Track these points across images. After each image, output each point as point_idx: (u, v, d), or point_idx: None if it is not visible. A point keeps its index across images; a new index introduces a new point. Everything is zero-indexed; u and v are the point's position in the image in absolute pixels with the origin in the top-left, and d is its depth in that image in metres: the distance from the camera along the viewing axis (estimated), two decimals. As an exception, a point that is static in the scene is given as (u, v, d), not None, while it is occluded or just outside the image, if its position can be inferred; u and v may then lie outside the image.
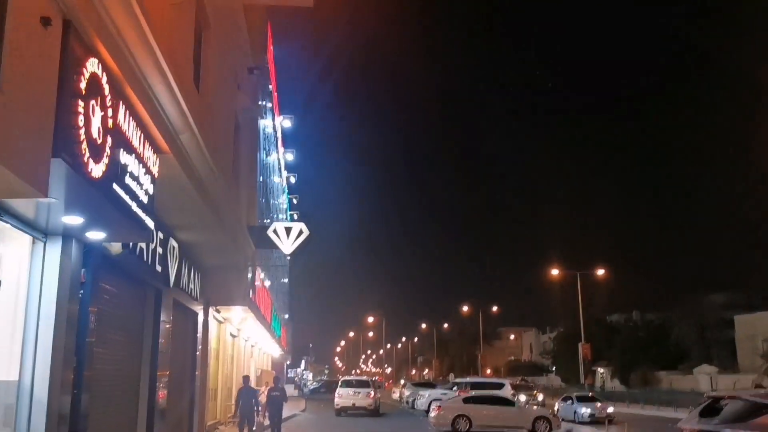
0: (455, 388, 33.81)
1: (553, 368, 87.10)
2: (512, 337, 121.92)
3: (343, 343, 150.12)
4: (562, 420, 28.71)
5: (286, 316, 53.64)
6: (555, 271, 52.61)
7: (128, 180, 6.82)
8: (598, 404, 30.92)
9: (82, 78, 5.40)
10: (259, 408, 17.08)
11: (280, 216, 41.96)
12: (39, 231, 7.14)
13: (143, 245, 10.32)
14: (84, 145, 5.45)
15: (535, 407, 27.44)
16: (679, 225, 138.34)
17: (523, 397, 34.51)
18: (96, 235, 7.63)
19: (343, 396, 33.07)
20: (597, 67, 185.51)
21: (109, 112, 6.13)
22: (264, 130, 23.74)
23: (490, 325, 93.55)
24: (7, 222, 6.33)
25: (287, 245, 17.14)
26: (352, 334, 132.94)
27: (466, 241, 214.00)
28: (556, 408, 31.55)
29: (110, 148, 6.16)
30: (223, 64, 13.35)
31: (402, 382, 70.03)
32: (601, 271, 51.79)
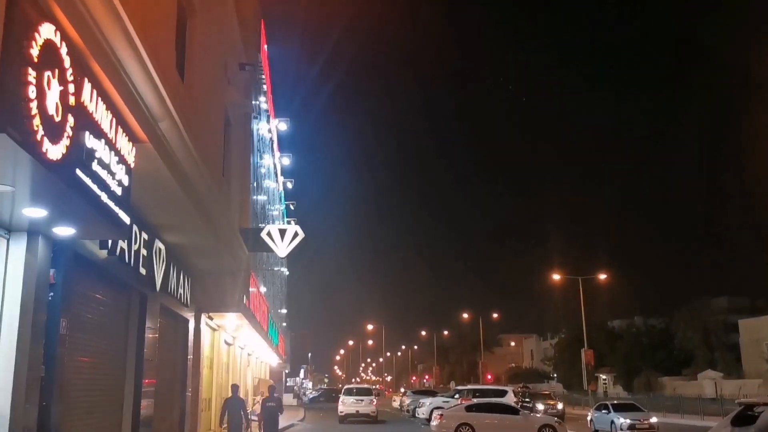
0: (457, 395, 33.06)
1: (555, 375, 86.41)
2: (513, 343, 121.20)
3: (342, 351, 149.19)
4: (595, 430, 27.63)
5: (284, 324, 52.87)
6: (556, 276, 51.89)
7: (96, 167, 6.13)
8: (640, 414, 27.32)
9: (34, 44, 4.73)
10: (249, 420, 15.91)
11: (277, 222, 41.30)
12: (0, 227, 6.46)
13: (124, 245, 9.62)
14: (36, 121, 4.77)
15: (539, 415, 26.61)
16: (681, 229, 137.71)
17: (541, 406, 33.87)
18: (65, 231, 6.95)
19: (346, 403, 33.82)
20: (597, 67, 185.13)
21: (71, 88, 5.45)
22: (258, 131, 23.09)
23: (490, 332, 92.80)
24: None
25: (282, 248, 16.47)
26: (351, 342, 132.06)
27: (466, 248, 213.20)
28: (589, 418, 29.38)
29: (72, 128, 5.48)
30: (212, 56, 12.71)
31: (402, 390, 69.24)
32: (603, 276, 51.04)
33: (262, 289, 31.82)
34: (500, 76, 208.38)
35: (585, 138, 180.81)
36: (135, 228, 10.33)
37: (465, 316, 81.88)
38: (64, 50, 5.25)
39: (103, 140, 6.27)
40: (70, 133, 5.42)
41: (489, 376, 77.25)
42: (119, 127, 6.80)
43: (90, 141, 5.94)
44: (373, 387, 50.35)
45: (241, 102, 15.97)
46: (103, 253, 9.03)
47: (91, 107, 5.94)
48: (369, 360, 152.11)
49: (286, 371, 66.56)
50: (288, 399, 56.79)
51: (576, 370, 66.90)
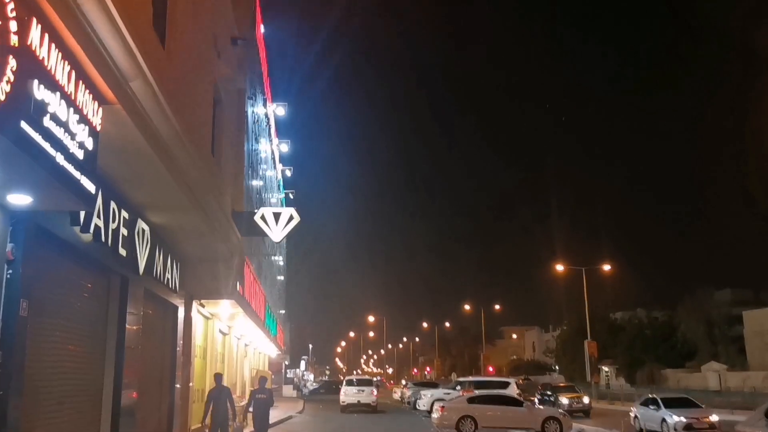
0: (459, 387, 32.40)
1: (557, 367, 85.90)
2: (514, 336, 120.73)
3: (343, 343, 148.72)
4: (640, 429, 23.87)
5: (282, 311, 52.18)
6: (560, 267, 51.18)
7: (49, 123, 5.38)
8: (697, 410, 23.02)
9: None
10: (236, 412, 14.57)
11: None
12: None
13: (100, 222, 8.88)
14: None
15: (538, 406, 25.77)
16: (684, 221, 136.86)
17: (565, 400, 32.49)
18: (21, 200, 6.21)
19: (348, 394, 35.27)
20: (600, 55, 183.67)
21: (12, 25, 4.70)
22: (253, 112, 22.31)
23: (492, 324, 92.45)
24: None
25: (276, 232, 15.72)
26: (352, 334, 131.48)
27: (468, 240, 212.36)
28: (632, 415, 25.19)
29: (14, 72, 4.72)
30: (199, 26, 11.93)
31: (403, 382, 68.68)
32: (607, 267, 50.33)
33: (262, 279, 31.16)
34: (515, 55, 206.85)
35: (588, 129, 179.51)
36: (114, 205, 9.60)
37: (467, 308, 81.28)
38: (1, -22, 4.50)
39: (58, 94, 5.51)
40: (11, 78, 4.67)
41: (490, 369, 76.77)
42: (80, 81, 6.04)
43: (40, 92, 5.19)
44: (375, 378, 51.15)
45: (233, 77, 15.17)
46: (75, 230, 8.29)
47: (41, 53, 5.19)
48: (370, 352, 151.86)
49: (286, 363, 65.95)
50: (288, 391, 56.24)
51: (578, 362, 66.39)
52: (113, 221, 9.59)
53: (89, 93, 6.30)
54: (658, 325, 68.26)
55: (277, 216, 15.72)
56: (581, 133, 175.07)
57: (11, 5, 4.65)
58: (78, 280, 9.43)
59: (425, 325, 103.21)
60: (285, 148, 34.96)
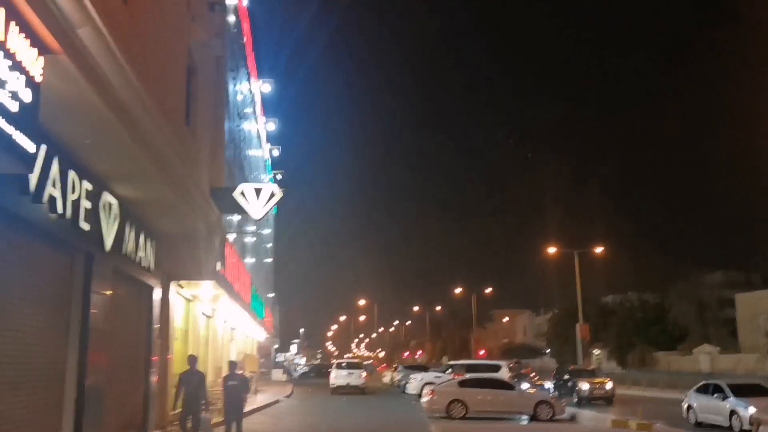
0: (449, 370, 31.88)
1: (548, 350, 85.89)
2: (506, 319, 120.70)
3: (335, 327, 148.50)
4: (697, 423, 19.70)
5: (272, 295, 51.50)
6: (552, 250, 50.64)
7: (-33, 65, 4.61)
8: None
9: None
10: (208, 399, 12.95)
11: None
12: None
13: (55, 192, 8.12)
14: None
15: (531, 391, 25.04)
16: (674, 204, 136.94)
17: (585, 385, 28.96)
18: (-54, 159, 5.45)
19: (338, 377, 36.43)
20: (591, 38, 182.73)
21: None
22: (235, 86, 21.46)
23: (483, 308, 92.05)
24: None
25: (257, 209, 14.97)
26: (343, 318, 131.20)
27: (459, 222, 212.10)
28: (685, 405, 20.88)
29: None
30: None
31: (395, 365, 68.37)
32: (599, 250, 49.85)
33: (248, 261, 30.45)
34: (512, 31, 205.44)
35: (579, 110, 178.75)
36: (73, 175, 8.84)
37: (458, 291, 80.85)
38: None
39: (-20, 33, 4.74)
40: None
41: (481, 352, 76.62)
42: (12, 22, 5.26)
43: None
44: (368, 362, 52.57)
45: (209, 42, 14.32)
46: (26, 199, 7.54)
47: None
48: (362, 336, 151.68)
49: (276, 347, 65.45)
50: (277, 375, 55.75)
51: (569, 345, 66.19)
52: (73, 192, 8.83)
53: (26, 38, 5.52)
54: (650, 308, 68.12)
55: (257, 192, 14.96)
56: (575, 114, 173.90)
57: None
58: (33, 256, 8.67)
59: (416, 308, 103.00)
60: (272, 126, 34.06)
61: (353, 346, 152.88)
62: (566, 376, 31.59)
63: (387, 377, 50.58)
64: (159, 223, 13.35)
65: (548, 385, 33.68)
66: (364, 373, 37.05)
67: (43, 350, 9.00)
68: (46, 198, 7.80)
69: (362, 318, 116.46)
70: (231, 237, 20.28)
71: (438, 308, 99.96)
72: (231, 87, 20.88)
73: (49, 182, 7.83)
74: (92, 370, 9.94)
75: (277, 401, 29.32)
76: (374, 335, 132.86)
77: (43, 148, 7.37)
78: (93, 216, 9.78)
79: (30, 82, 5.59)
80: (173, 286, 16.04)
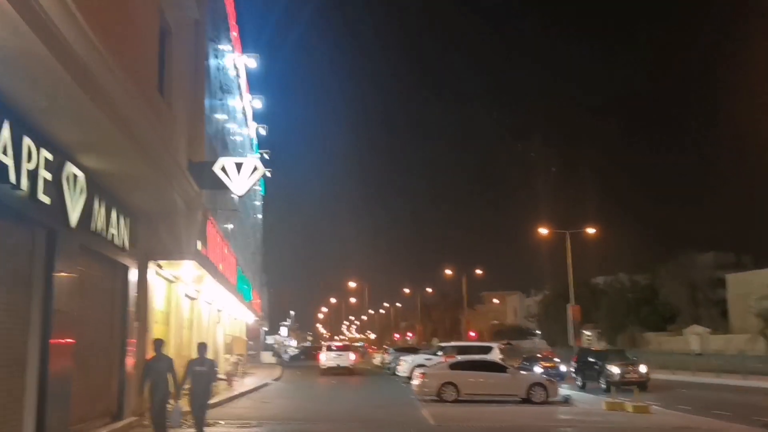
0: (440, 352, 31.35)
1: (538, 332, 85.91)
2: (496, 301, 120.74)
3: (325, 309, 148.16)
4: None
5: (259, 276, 50.76)
6: (543, 231, 50.10)
7: None
8: None
9: None
10: (179, 386, 11.01)
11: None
12: None
13: (7, 160, 7.33)
14: None
15: (524, 372, 24.45)
16: (664, 185, 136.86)
17: (616, 369, 25.77)
18: None
19: (328, 358, 38.47)
20: (580, 15, 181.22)
21: None
22: (217, 58, 20.55)
23: (473, 290, 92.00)
24: None
25: (238, 184, 14.18)
26: (334, 300, 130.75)
27: (450, 204, 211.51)
28: None
29: None
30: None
31: (385, 347, 68.02)
32: (591, 230, 49.38)
33: (234, 243, 29.65)
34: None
35: (570, 91, 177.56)
36: (29, 141, 8.07)
37: (448, 272, 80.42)
38: None
39: None
40: None
41: (472, 333, 76.45)
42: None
43: None
44: (357, 344, 54.55)
45: (184, 3, 13.41)
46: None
47: None
48: (352, 318, 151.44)
49: (265, 329, 64.85)
50: (267, 357, 55.22)
51: (560, 326, 65.94)
52: (29, 161, 8.05)
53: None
54: (640, 289, 68.02)
55: (239, 166, 14.17)
56: (563, 98, 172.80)
57: None
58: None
59: (407, 290, 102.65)
60: (258, 104, 33.06)
61: (344, 328, 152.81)
62: (591, 359, 28.19)
63: (377, 359, 50.15)
64: (133, 199, 12.56)
65: (563, 368, 32.12)
66: (353, 355, 39.35)
67: (1, 335, 8.25)
68: (-5, 165, 7.02)
69: (353, 300, 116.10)
70: (217, 218, 19.49)
71: (428, 290, 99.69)
72: (213, 59, 19.97)
73: (-1, 149, 7.05)
74: (57, 355, 9.20)
75: (265, 384, 28.73)
76: (365, 317, 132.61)
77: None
78: (54, 188, 8.99)
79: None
80: (152, 266, 15.26)
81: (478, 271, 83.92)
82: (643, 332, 63.15)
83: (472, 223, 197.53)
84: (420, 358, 31.97)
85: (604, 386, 25.48)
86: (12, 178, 7.54)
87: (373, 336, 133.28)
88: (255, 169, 14.19)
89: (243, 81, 29.82)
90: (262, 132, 37.69)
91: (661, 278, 67.23)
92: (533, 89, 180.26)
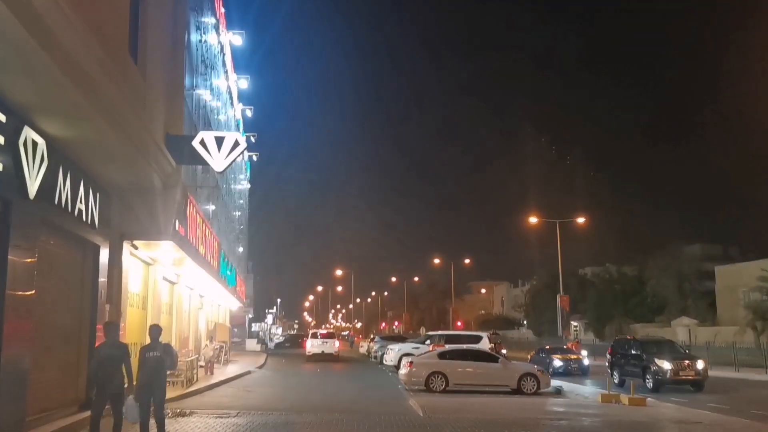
0: (428, 341, 30.69)
1: (525, 322, 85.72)
2: (483, 291, 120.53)
3: (311, 297, 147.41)
4: None
5: (240, 263, 49.84)
6: (533, 220, 49.56)
7: None
8: None
9: None
10: (133, 378, 9.48)
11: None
12: None
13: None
14: None
15: (514, 362, 23.48)
16: (652, 177, 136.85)
17: (667, 365, 21.65)
18: None
19: (314, 345, 40.30)
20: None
21: None
22: (201, 34, 19.59)
23: (460, 280, 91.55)
24: None
25: (219, 160, 13.31)
26: (320, 288, 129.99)
27: (438, 193, 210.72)
28: None
29: None
30: None
31: (372, 336, 67.48)
32: (581, 220, 48.91)
33: (217, 228, 28.76)
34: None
35: (560, 80, 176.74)
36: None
37: (436, 261, 79.89)
38: None
39: None
40: None
41: (459, 323, 76.08)
42: None
43: None
44: (345, 333, 56.74)
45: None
46: None
47: None
48: (339, 306, 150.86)
49: (250, 316, 63.98)
50: (252, 345, 54.36)
51: (546, 317, 65.98)
52: None
53: None
54: (628, 280, 67.84)
55: (219, 141, 13.29)
56: (554, 85, 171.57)
57: None
58: None
59: (394, 279, 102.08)
60: (244, 84, 32.00)
61: (330, 316, 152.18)
62: (634, 351, 23.73)
63: (364, 348, 49.55)
64: (104, 173, 11.69)
65: (586, 362, 29.99)
66: (338, 343, 41.64)
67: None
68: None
69: (340, 288, 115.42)
70: (198, 198, 18.61)
71: (416, 279, 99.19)
72: (195, 33, 19.02)
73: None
74: (10, 341, 8.35)
75: (248, 372, 27.95)
76: (351, 306, 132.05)
77: None
78: (9, 154, 8.12)
79: None
80: (126, 247, 14.40)
81: (466, 261, 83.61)
82: (630, 323, 62.94)
83: (460, 212, 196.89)
84: (407, 346, 31.27)
85: (650, 385, 21.83)
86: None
87: (359, 325, 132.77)
88: (236, 144, 13.33)
89: (228, 59, 28.81)
90: (248, 114, 36.68)
91: (650, 269, 67.06)
92: (524, 75, 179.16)
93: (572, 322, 67.73)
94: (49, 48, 7.08)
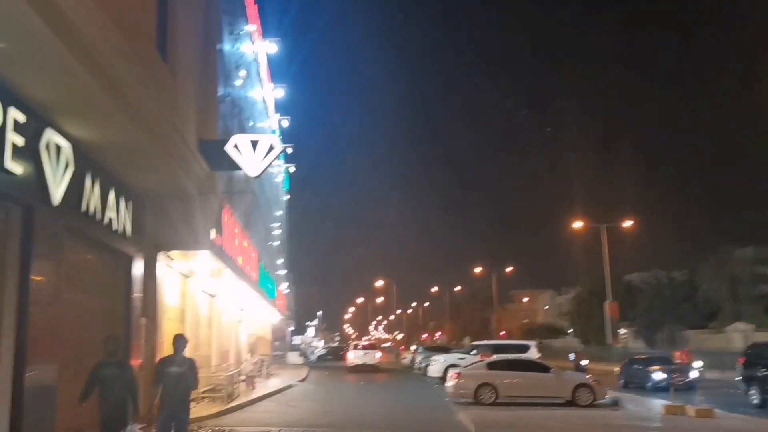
0: (474, 351, 29.65)
1: (570, 330, 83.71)
2: (526, 299, 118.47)
3: (352, 309, 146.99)
4: None
5: (280, 273, 49.43)
6: (578, 224, 48.06)
7: None
8: None
9: None
10: (137, 399, 8.21)
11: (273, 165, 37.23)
12: None
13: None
14: None
15: (567, 371, 22.28)
16: (699, 178, 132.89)
17: None
18: None
19: (356, 356, 41.59)
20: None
21: None
22: (234, 37, 19.15)
23: (502, 288, 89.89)
24: None
25: (254, 164, 12.70)
26: (361, 299, 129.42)
27: (478, 202, 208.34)
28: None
29: None
30: None
31: (413, 347, 66.55)
32: (628, 223, 47.24)
33: (255, 237, 28.32)
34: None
35: (606, 76, 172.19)
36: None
37: (478, 270, 78.55)
38: None
39: None
40: None
41: (502, 333, 74.67)
42: None
43: None
44: (386, 344, 58.66)
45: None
46: None
47: None
48: (380, 318, 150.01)
49: (291, 329, 63.63)
50: (293, 358, 53.86)
51: (593, 324, 64.24)
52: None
53: None
54: (678, 285, 65.68)
55: (254, 144, 12.68)
56: (598, 86, 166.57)
57: None
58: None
59: (435, 289, 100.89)
60: (281, 93, 31.58)
61: (371, 328, 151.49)
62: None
63: (406, 359, 48.64)
64: (136, 179, 11.15)
65: (694, 374, 25.03)
66: (379, 354, 43.35)
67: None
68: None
69: (380, 300, 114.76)
70: (234, 206, 18.10)
71: (457, 289, 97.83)
72: (228, 38, 18.58)
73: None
74: (35, 357, 7.78)
75: (290, 386, 27.32)
76: (392, 317, 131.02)
77: None
78: (29, 157, 7.59)
79: None
80: (161, 258, 13.88)
81: (508, 269, 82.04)
82: (682, 330, 60.78)
83: (501, 220, 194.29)
84: (452, 357, 30.29)
85: None
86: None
87: (400, 336, 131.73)
88: (271, 147, 12.71)
89: (264, 67, 28.44)
90: (285, 124, 36.29)
91: (701, 274, 64.81)
92: (571, 74, 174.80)
93: (620, 330, 65.77)
94: (65, 37, 6.52)
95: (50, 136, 8.04)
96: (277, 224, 44.41)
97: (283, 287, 49.89)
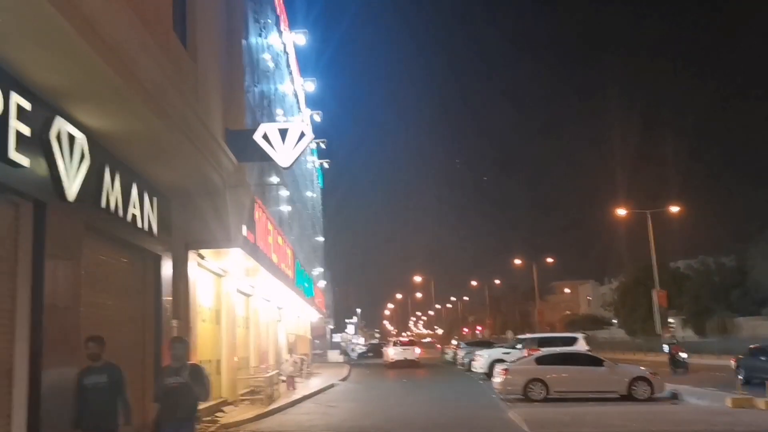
0: (519, 345, 28.61)
1: (615, 321, 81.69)
2: (567, 290, 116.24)
3: (391, 306, 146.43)
4: None
5: (320, 270, 48.90)
6: (622, 211, 46.57)
7: None
8: None
9: None
10: (127, 406, 7.04)
11: (307, 161, 36.82)
12: None
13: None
14: None
15: (620, 364, 20.90)
16: (745, 160, 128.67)
17: None
18: None
19: (396, 353, 42.40)
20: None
21: None
22: (260, 26, 18.49)
23: (542, 280, 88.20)
24: None
25: (284, 154, 12.00)
26: (399, 296, 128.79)
27: (518, 193, 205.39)
28: None
29: None
30: None
31: (454, 342, 65.53)
32: (676, 209, 45.58)
33: (291, 234, 27.76)
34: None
35: (649, 57, 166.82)
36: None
37: (517, 262, 77.19)
38: None
39: None
40: None
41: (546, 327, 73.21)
42: None
43: None
44: (425, 340, 57.81)
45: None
46: None
47: None
48: (419, 314, 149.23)
49: (331, 327, 63.20)
50: (334, 356, 53.35)
51: (638, 314, 62.64)
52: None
53: None
54: (727, 271, 63.35)
55: (283, 133, 11.99)
56: (640, 68, 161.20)
57: None
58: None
59: (474, 283, 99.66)
60: (311, 87, 30.95)
61: (410, 324, 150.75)
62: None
63: (448, 354, 47.79)
64: (160, 173, 10.54)
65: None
66: (418, 350, 44.04)
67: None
68: None
69: (419, 295, 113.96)
70: (266, 201, 17.47)
71: (497, 282, 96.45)
72: (253, 26, 17.92)
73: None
74: (53, 361, 7.19)
75: (331, 385, 26.68)
76: (431, 312, 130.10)
77: None
78: (38, 148, 6.97)
79: None
80: (192, 257, 13.30)
81: (549, 260, 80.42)
82: (733, 318, 58.63)
83: (542, 209, 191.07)
84: (497, 352, 29.25)
85: None
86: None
87: (440, 331, 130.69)
88: (302, 135, 12.00)
89: (293, 60, 27.80)
90: (317, 118, 35.63)
91: (751, 258, 62.42)
92: (615, 60, 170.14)
93: (669, 319, 63.77)
94: (69, 14, 5.85)
95: (61, 125, 7.42)
96: (312, 222, 43.88)
97: (321, 285, 49.36)
